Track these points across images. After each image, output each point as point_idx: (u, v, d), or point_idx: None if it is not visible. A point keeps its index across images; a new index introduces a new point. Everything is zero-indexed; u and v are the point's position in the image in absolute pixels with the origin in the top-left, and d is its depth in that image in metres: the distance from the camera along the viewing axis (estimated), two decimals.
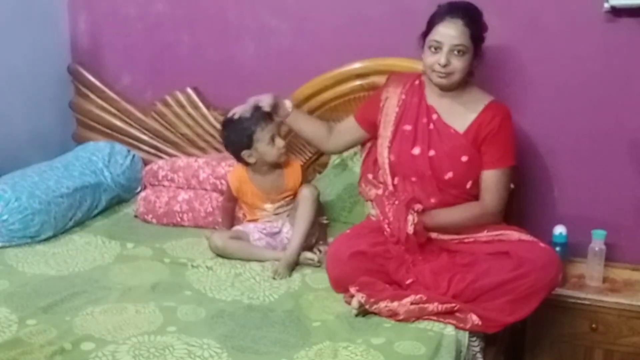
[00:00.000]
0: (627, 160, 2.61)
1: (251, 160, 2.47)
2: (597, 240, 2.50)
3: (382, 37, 2.72)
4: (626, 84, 2.56)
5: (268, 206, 2.55)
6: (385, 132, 2.34)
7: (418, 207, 2.24)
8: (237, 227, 2.57)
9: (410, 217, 2.20)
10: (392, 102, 2.36)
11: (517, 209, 2.69)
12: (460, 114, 2.28)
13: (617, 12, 2.48)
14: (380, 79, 2.64)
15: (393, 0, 2.75)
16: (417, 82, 2.37)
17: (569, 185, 2.70)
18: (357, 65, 2.78)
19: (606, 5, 2.45)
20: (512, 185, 2.61)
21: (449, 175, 2.26)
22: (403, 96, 2.35)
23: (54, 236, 2.63)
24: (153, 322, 1.96)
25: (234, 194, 2.56)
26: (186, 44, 3.12)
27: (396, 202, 2.26)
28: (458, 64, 2.19)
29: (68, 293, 2.13)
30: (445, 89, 2.27)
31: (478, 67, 2.30)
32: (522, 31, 2.64)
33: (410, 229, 2.19)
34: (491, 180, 2.26)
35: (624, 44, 2.53)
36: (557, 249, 2.38)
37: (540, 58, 2.63)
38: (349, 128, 2.48)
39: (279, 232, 2.52)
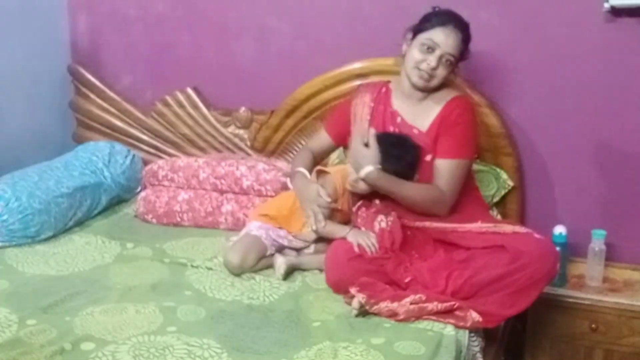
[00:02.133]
0: (627, 160, 2.61)
1: None
2: (597, 240, 2.50)
3: (382, 37, 2.72)
4: (626, 84, 2.56)
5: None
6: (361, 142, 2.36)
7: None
8: (263, 239, 2.38)
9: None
10: (364, 110, 2.39)
11: (517, 209, 2.70)
12: (423, 113, 2.32)
13: (617, 12, 2.48)
14: (380, 79, 2.64)
15: (393, 0, 2.75)
16: (384, 89, 2.42)
17: (569, 185, 2.70)
18: (357, 65, 2.78)
19: (606, 5, 2.45)
20: (512, 184, 2.63)
21: (416, 177, 2.29)
22: (372, 104, 2.39)
23: (54, 236, 2.63)
24: (153, 322, 1.96)
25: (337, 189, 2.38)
26: (186, 44, 3.13)
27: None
28: (442, 72, 2.24)
29: (68, 293, 2.13)
30: (417, 89, 2.30)
31: (449, 77, 2.31)
32: (522, 31, 2.64)
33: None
34: (444, 169, 2.26)
35: (624, 44, 2.53)
36: (557, 249, 2.37)
37: (540, 58, 2.63)
38: (325, 145, 2.53)
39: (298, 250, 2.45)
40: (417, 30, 2.27)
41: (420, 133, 2.30)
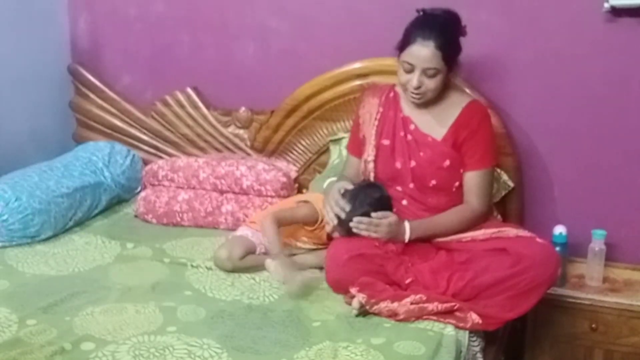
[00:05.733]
0: (627, 160, 2.61)
1: None
2: (597, 240, 2.50)
3: (382, 37, 2.72)
4: (626, 84, 2.56)
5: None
6: (369, 148, 2.35)
7: None
8: (249, 237, 2.44)
9: None
10: (372, 115, 2.36)
11: (517, 209, 2.70)
12: (437, 121, 2.29)
13: (617, 12, 2.48)
14: (380, 79, 2.64)
15: (393, 0, 2.75)
16: (391, 94, 2.37)
17: (569, 185, 2.70)
18: (357, 65, 2.78)
19: (606, 5, 2.45)
20: (512, 185, 2.63)
21: (433, 182, 2.27)
22: (381, 109, 2.36)
23: (54, 236, 2.63)
24: (153, 322, 1.96)
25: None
26: (186, 44, 3.12)
27: None
28: (431, 84, 2.20)
29: (68, 293, 2.13)
30: (420, 106, 2.27)
31: (455, 77, 2.29)
32: (522, 31, 2.64)
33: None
34: (474, 181, 2.27)
35: (624, 44, 2.52)
36: (557, 249, 2.37)
37: (540, 58, 2.63)
38: (357, 167, 2.42)
39: None
40: (400, 47, 2.24)
41: (435, 141, 2.27)
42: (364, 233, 2.19)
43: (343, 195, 2.25)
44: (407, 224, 2.22)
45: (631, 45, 2.52)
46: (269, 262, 2.28)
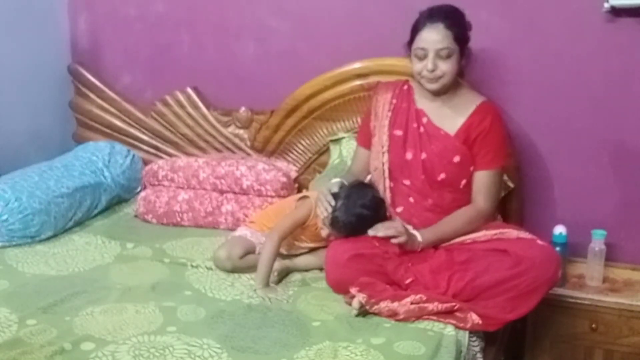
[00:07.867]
0: (627, 160, 2.61)
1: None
2: (597, 240, 2.50)
3: (383, 37, 2.73)
4: (626, 84, 2.56)
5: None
6: (381, 139, 2.35)
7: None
8: (248, 237, 2.45)
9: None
10: (385, 107, 2.37)
11: (517, 209, 2.70)
12: (450, 117, 2.30)
13: (617, 12, 2.48)
14: (380, 79, 2.64)
15: (393, 0, 2.75)
16: (405, 87, 2.39)
17: (569, 185, 2.70)
18: (357, 65, 2.78)
19: (606, 5, 2.45)
20: (512, 185, 2.63)
21: (442, 176, 2.27)
22: (394, 101, 2.37)
23: (54, 236, 2.63)
24: (153, 322, 1.96)
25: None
26: (186, 44, 3.12)
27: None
28: (445, 67, 2.21)
29: (68, 293, 2.13)
30: (437, 94, 2.28)
31: (467, 67, 2.30)
32: (522, 31, 2.64)
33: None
34: (483, 181, 2.27)
35: (624, 44, 2.53)
36: (557, 249, 2.37)
37: (540, 58, 2.63)
38: (366, 160, 2.43)
39: None
40: (409, 43, 2.27)
41: (447, 135, 2.28)
42: (389, 232, 2.15)
43: (335, 195, 2.26)
44: (416, 232, 2.22)
45: (631, 45, 2.52)
46: (259, 292, 2.20)
